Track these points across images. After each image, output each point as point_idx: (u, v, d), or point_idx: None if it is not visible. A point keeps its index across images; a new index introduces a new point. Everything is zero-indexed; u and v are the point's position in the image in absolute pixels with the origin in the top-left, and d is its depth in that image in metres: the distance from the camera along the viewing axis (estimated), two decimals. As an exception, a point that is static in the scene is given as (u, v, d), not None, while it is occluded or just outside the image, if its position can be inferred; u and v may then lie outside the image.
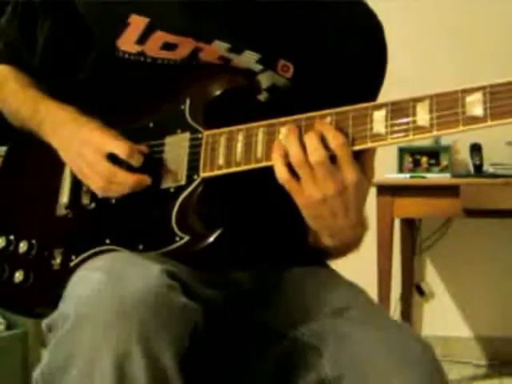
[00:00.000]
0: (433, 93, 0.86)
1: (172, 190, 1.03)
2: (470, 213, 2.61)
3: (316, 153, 0.89)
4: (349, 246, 1.06)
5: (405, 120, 0.87)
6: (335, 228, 0.96)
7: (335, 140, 0.89)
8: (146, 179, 1.03)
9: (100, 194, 1.06)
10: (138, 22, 1.06)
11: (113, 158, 1.03)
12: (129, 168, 1.03)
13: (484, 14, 3.07)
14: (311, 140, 0.90)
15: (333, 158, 0.90)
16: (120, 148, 1.02)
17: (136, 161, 1.03)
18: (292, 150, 0.91)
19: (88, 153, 1.04)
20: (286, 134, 0.93)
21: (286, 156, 0.91)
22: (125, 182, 1.03)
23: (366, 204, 1.04)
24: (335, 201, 0.91)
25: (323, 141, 0.89)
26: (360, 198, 0.93)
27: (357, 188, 0.91)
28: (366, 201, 1.00)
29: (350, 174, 0.90)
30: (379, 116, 0.89)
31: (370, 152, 0.94)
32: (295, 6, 1.07)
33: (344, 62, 1.09)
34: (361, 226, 1.00)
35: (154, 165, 1.05)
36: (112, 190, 1.04)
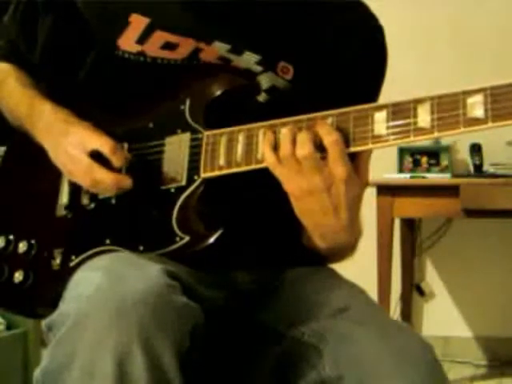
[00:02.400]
0: (434, 94, 0.86)
1: (172, 190, 1.03)
2: (470, 213, 2.61)
3: (302, 147, 0.90)
4: (342, 250, 1.05)
5: (406, 121, 0.87)
6: (326, 227, 0.97)
7: (328, 137, 0.90)
8: (126, 180, 1.04)
9: (93, 191, 1.06)
10: (138, 22, 1.06)
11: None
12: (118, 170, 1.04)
13: (487, 15, 3.07)
14: (301, 135, 0.91)
15: (325, 155, 0.90)
16: (103, 145, 1.03)
17: (118, 160, 1.03)
18: (281, 145, 0.92)
19: (71, 148, 1.04)
20: (285, 133, 0.93)
21: (274, 144, 0.93)
22: (103, 180, 1.03)
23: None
24: (323, 195, 0.92)
25: (317, 137, 0.90)
26: (351, 197, 0.93)
27: (346, 185, 0.91)
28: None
29: (339, 169, 0.90)
30: (380, 117, 0.89)
31: (365, 155, 0.94)
32: (296, 8, 1.07)
33: (344, 63, 1.09)
34: (354, 230, 0.99)
35: (153, 165, 1.05)
36: (99, 188, 1.05)
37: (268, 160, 0.93)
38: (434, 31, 3.14)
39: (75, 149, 1.04)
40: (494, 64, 2.89)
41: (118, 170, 1.04)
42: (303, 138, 0.90)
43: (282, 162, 0.92)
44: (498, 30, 3.05)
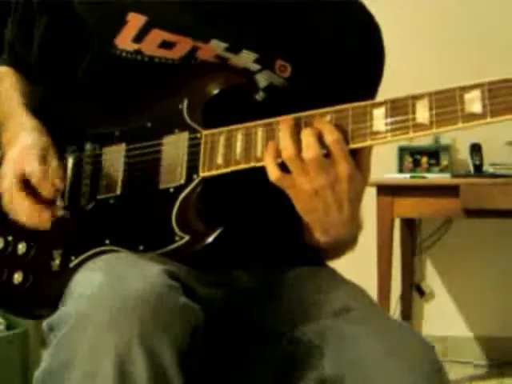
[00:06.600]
0: (432, 90, 0.86)
1: (171, 189, 1.03)
2: (470, 213, 2.61)
3: (309, 149, 0.90)
4: (343, 244, 1.05)
5: (404, 117, 0.87)
6: (329, 223, 0.97)
7: (330, 136, 0.90)
8: (44, 214, 1.03)
9: (7, 211, 1.06)
10: (135, 20, 1.06)
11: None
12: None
13: (488, 14, 3.07)
14: (306, 136, 0.91)
15: (327, 154, 0.90)
16: (32, 170, 1.02)
17: (47, 191, 1.03)
18: (283, 145, 0.92)
19: (7, 165, 1.05)
20: (280, 129, 0.93)
21: (277, 152, 0.92)
22: (20, 207, 1.02)
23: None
24: (327, 194, 0.92)
25: (319, 137, 0.90)
26: (353, 193, 0.93)
27: (350, 182, 0.91)
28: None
29: (342, 168, 0.90)
30: (379, 114, 0.89)
31: (366, 151, 0.94)
32: (293, 7, 1.07)
33: (341, 62, 1.09)
34: (355, 223, 1.00)
35: (152, 165, 1.05)
36: (15, 212, 1.04)
37: (273, 175, 0.93)
38: (433, 30, 3.14)
39: (8, 167, 1.04)
40: (496, 64, 2.89)
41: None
42: (309, 140, 0.90)
43: (288, 165, 0.91)
44: (500, 29, 3.05)
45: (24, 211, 1.03)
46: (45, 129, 1.11)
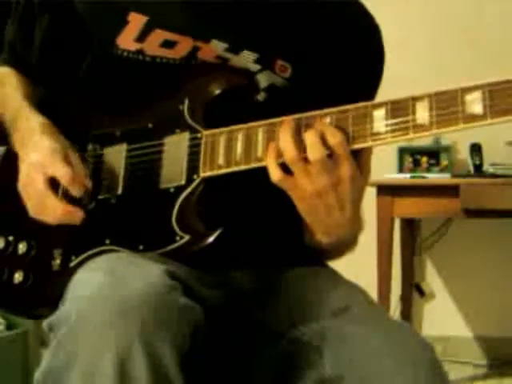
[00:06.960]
0: (432, 91, 0.86)
1: (172, 190, 1.03)
2: (470, 213, 2.61)
3: (314, 150, 0.90)
4: (344, 244, 1.06)
5: (404, 119, 0.87)
6: (330, 224, 0.97)
7: (334, 138, 0.90)
8: (77, 213, 1.04)
9: (32, 214, 1.06)
10: (137, 20, 1.07)
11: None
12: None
13: (488, 15, 3.07)
14: (310, 137, 0.91)
15: (330, 154, 0.90)
16: (61, 173, 1.02)
17: (76, 191, 1.03)
18: (284, 147, 0.92)
19: (32, 169, 1.05)
20: (281, 130, 0.93)
21: (279, 153, 0.92)
22: (54, 209, 1.03)
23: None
24: (330, 195, 0.92)
25: (322, 139, 0.90)
26: (355, 193, 0.94)
27: (352, 182, 0.92)
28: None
29: (345, 169, 0.91)
30: (379, 115, 0.89)
31: (367, 151, 0.95)
32: (293, 7, 1.08)
33: (341, 62, 1.09)
34: (356, 223, 1.00)
35: (153, 165, 1.05)
36: (44, 214, 1.05)
37: (274, 177, 0.93)
38: (433, 30, 3.14)
39: (35, 171, 1.04)
40: (497, 63, 2.89)
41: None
42: (313, 141, 0.90)
43: (290, 167, 0.92)
44: (501, 29, 3.05)
45: (57, 212, 1.04)
46: (56, 127, 1.11)
